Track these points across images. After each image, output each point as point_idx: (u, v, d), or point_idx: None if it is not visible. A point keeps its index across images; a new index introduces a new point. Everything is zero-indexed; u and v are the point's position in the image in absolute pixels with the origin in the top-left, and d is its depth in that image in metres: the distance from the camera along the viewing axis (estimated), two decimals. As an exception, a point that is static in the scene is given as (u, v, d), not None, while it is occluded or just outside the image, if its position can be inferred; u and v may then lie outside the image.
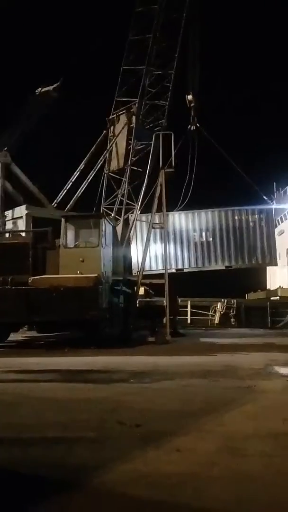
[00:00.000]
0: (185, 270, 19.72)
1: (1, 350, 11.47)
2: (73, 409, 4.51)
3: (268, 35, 41.69)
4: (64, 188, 18.00)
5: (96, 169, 17.39)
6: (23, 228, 13.42)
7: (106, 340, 11.73)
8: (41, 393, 5.38)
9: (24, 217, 13.76)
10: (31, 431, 3.76)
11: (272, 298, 23.96)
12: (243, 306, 23.82)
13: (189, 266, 19.64)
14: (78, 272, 11.57)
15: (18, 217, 14.38)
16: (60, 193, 17.95)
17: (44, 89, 17.49)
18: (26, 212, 13.78)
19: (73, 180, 18.17)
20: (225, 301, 23.71)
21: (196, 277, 21.74)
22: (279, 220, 26.92)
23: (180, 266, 19.69)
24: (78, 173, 18.14)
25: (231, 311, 23.55)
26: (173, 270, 18.09)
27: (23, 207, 14.38)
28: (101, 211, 15.51)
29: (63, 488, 2.62)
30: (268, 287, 27.23)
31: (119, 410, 4.40)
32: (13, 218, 14.62)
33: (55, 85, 17.43)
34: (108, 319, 12.22)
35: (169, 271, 17.29)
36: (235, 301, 23.84)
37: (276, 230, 26.34)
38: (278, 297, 23.90)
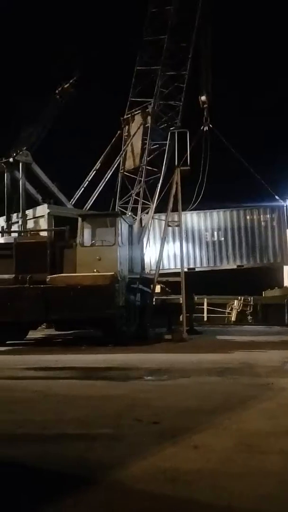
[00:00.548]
0: (196, 269, 19.78)
1: (20, 347, 11.61)
2: (91, 406, 4.55)
3: (284, 33, 41.07)
4: (81, 186, 18.15)
5: (113, 169, 17.49)
6: (45, 227, 13.47)
7: (123, 337, 11.77)
8: (59, 390, 5.43)
9: (46, 216, 13.80)
10: (49, 428, 3.80)
11: (290, 296, 23.71)
12: (260, 303, 23.65)
13: (201, 265, 19.84)
14: (95, 270, 11.63)
15: (39, 216, 14.43)
16: (77, 192, 18.09)
17: (62, 87, 17.62)
18: (48, 211, 13.82)
19: (89, 180, 18.31)
20: (242, 299, 23.57)
21: (213, 276, 21.73)
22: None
23: (192, 266, 19.77)
24: (94, 172, 18.26)
25: (248, 309, 23.41)
26: (185, 269, 18.20)
27: (45, 206, 14.45)
28: (116, 210, 15.60)
29: (82, 484, 2.65)
30: (285, 284, 26.93)
31: (136, 407, 4.42)
32: (34, 217, 14.68)
33: (71, 81, 17.54)
34: (124, 317, 12.26)
35: (179, 270, 17.52)
36: (251, 298, 23.68)
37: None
38: (295, 294, 23.62)
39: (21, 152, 15.37)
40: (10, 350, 10.99)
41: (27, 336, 13.70)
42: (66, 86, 17.52)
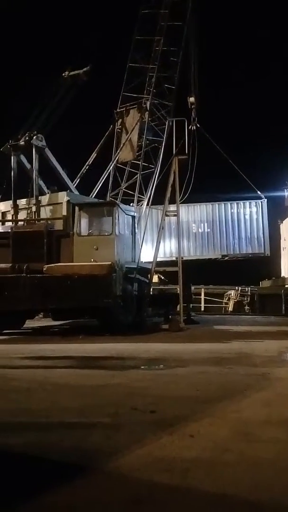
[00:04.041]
0: (184, 258, 20.32)
1: (17, 337, 11.64)
2: (88, 395, 4.57)
3: (266, 29, 40.81)
4: (77, 177, 18.02)
5: (114, 162, 17.43)
6: (64, 215, 13.31)
7: (120, 327, 11.80)
8: (56, 379, 5.45)
9: (65, 203, 13.58)
10: (47, 416, 3.82)
11: (286, 286, 23.82)
12: (257, 293, 23.77)
13: (189, 254, 20.75)
14: (92, 260, 11.62)
15: (57, 203, 14.14)
16: (73, 183, 17.93)
17: (73, 73, 17.36)
18: (67, 198, 13.60)
19: (85, 170, 18.22)
20: (239, 289, 23.68)
21: (208, 265, 22.18)
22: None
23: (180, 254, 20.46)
24: (89, 163, 18.16)
25: (245, 299, 23.52)
26: (174, 258, 18.74)
27: (64, 193, 14.22)
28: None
29: (79, 472, 2.67)
30: (282, 274, 27.05)
31: (133, 396, 4.44)
32: (51, 204, 14.35)
33: (85, 69, 17.36)
34: (121, 306, 12.28)
35: (169, 259, 18.48)
36: (249, 288, 23.80)
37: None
38: (293, 284, 23.77)
39: (35, 137, 14.92)
40: (7, 339, 11.01)
41: (24, 326, 13.73)
42: (78, 73, 17.23)
